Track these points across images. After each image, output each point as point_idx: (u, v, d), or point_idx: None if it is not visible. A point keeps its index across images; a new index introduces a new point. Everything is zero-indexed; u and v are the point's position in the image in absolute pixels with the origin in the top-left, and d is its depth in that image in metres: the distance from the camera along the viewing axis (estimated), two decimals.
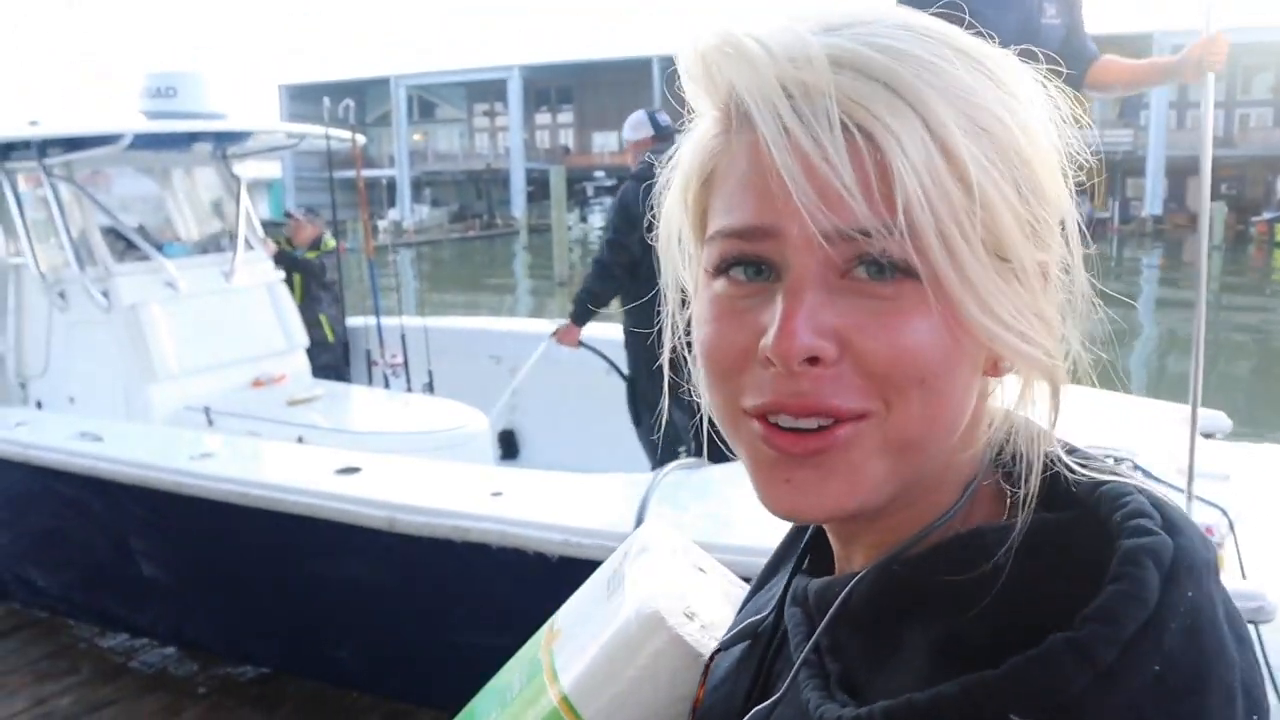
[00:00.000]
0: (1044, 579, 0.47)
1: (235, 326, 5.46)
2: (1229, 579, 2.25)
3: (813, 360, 0.47)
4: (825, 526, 0.60)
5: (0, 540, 4.55)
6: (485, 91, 53.71)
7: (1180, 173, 37.53)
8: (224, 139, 5.73)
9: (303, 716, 3.63)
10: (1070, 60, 2.73)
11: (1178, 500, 2.36)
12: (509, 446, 5.97)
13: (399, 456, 3.74)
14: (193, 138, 5.55)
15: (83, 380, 5.25)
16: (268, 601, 3.73)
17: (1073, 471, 0.51)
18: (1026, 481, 0.50)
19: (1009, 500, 0.51)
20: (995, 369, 0.51)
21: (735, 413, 0.51)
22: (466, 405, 4.92)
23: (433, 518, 2.99)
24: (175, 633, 4.18)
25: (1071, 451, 0.54)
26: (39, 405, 5.40)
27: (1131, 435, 3.14)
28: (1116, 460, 2.88)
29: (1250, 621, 2.21)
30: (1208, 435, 3.07)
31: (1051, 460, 0.52)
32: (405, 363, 5.89)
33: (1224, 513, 2.48)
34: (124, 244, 5.31)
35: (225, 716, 3.64)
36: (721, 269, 0.51)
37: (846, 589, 0.53)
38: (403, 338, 5.93)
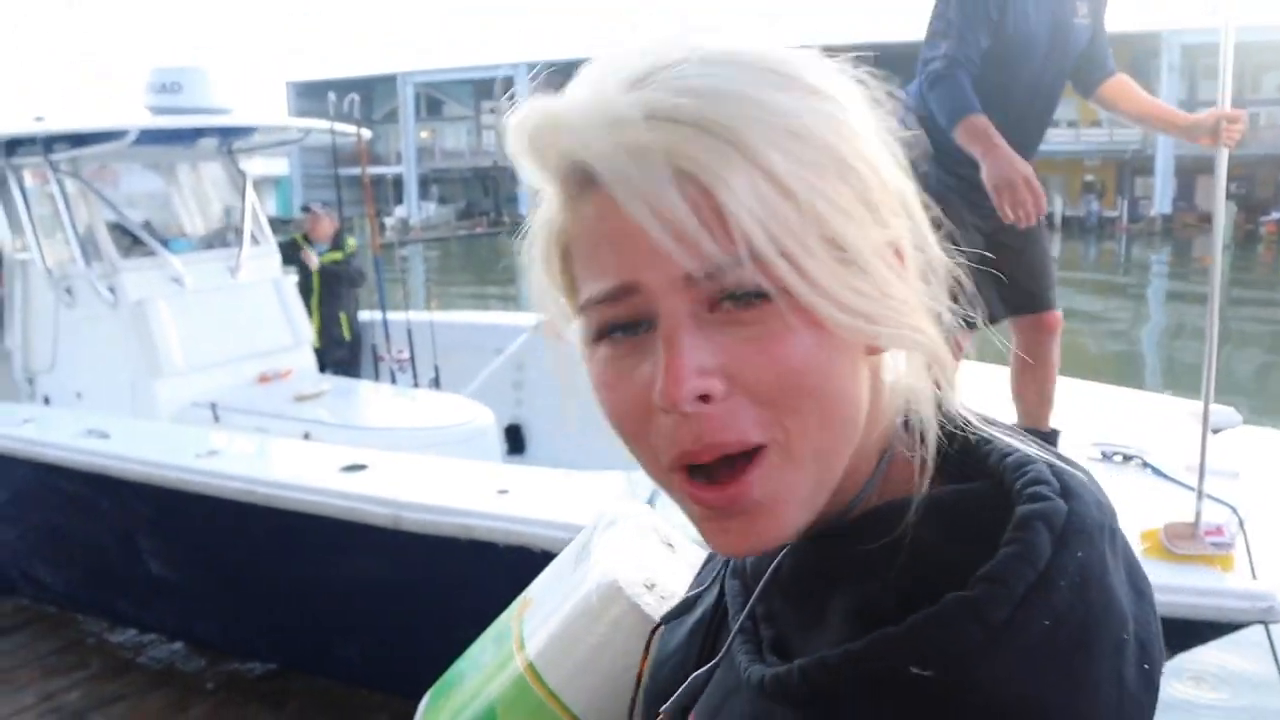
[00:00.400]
0: (949, 545, 0.49)
1: (241, 322, 5.46)
2: (1238, 579, 2.23)
3: (704, 398, 0.48)
4: None
5: (9, 536, 4.56)
6: (492, 89, 53.75)
7: (1189, 172, 37.35)
8: (229, 134, 5.72)
9: (310, 714, 3.64)
10: (1090, 64, 2.73)
11: (1188, 498, 2.36)
12: (516, 441, 5.97)
13: (405, 453, 3.74)
14: (198, 133, 5.55)
15: (89, 376, 5.26)
16: (274, 599, 3.73)
17: (962, 431, 0.55)
18: (923, 445, 0.54)
19: (919, 469, 0.54)
20: (875, 349, 0.53)
21: (659, 471, 0.53)
22: (472, 400, 4.92)
23: (439, 515, 2.99)
24: (183, 629, 4.19)
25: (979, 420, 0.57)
26: (46, 401, 5.42)
27: (1142, 432, 3.13)
28: (1125, 458, 2.87)
29: (1260, 622, 2.19)
30: (1217, 430, 3.05)
31: (945, 426, 0.55)
32: (412, 358, 5.90)
33: (1234, 511, 2.46)
34: (130, 240, 5.32)
35: (233, 713, 3.65)
36: (600, 337, 0.53)
37: (776, 561, 0.58)
38: (409, 333, 5.93)
